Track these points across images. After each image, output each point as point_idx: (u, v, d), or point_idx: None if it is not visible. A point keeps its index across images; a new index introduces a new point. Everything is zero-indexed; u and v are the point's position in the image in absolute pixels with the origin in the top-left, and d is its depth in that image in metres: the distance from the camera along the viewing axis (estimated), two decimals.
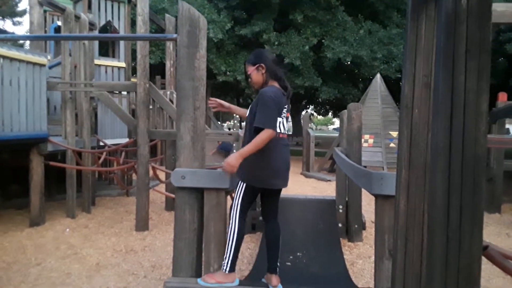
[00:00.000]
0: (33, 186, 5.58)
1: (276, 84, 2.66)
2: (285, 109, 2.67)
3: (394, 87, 15.34)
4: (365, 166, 5.43)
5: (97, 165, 6.49)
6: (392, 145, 10.96)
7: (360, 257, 4.56)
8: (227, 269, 2.61)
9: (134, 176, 8.09)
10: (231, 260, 2.62)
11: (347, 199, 5.27)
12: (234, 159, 2.40)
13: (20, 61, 5.08)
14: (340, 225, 5.12)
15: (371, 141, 10.78)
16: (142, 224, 5.55)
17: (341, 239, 4.74)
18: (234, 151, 9.58)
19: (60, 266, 4.15)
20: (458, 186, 1.35)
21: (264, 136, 2.42)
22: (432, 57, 1.73)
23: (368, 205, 6.31)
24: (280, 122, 2.61)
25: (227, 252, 2.63)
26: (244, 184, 2.64)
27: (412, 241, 1.76)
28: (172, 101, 8.21)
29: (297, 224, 5.05)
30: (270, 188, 2.69)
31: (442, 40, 1.34)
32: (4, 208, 6.58)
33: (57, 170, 6.32)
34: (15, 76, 5.03)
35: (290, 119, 2.85)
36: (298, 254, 4.14)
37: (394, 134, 11.09)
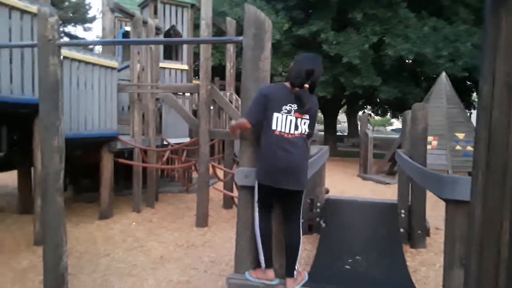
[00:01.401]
0: (103, 181, 5.96)
1: (287, 83, 2.62)
2: (291, 107, 2.57)
3: (460, 87, 14.49)
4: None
5: (162, 162, 6.79)
6: (458, 147, 10.38)
7: (423, 264, 4.37)
8: (264, 265, 2.69)
9: (194, 174, 8.38)
10: (264, 257, 2.69)
11: (409, 203, 5.07)
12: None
13: (94, 64, 5.45)
14: (402, 230, 4.93)
15: (435, 143, 10.27)
16: (202, 221, 5.73)
17: (403, 245, 4.57)
18: None
19: (127, 257, 4.40)
20: None
21: (237, 122, 2.64)
22: None
23: (431, 210, 6.03)
24: (278, 118, 2.55)
25: (258, 250, 2.71)
26: (256, 181, 2.67)
27: (488, 250, 1.67)
28: (231, 102, 8.39)
29: (356, 227, 4.95)
30: (271, 186, 2.58)
31: None
32: (76, 201, 7.11)
33: (124, 167, 6.69)
34: (89, 78, 5.41)
35: (304, 122, 2.73)
36: (358, 257, 4.05)
37: (461, 136, 10.49)
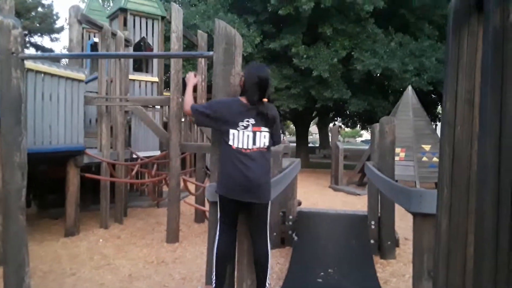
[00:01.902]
0: (69, 196, 5.76)
1: (243, 99, 2.61)
2: (248, 122, 2.56)
3: (426, 100, 14.99)
4: (396, 181, 5.32)
5: (130, 177, 6.64)
6: (424, 159, 10.69)
7: (393, 275, 4.43)
8: (214, 285, 2.65)
9: (164, 188, 8.23)
10: (215, 276, 2.64)
11: (379, 214, 5.15)
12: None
13: (60, 77, 5.30)
14: (372, 241, 5.00)
15: (402, 154, 10.55)
16: (172, 236, 5.62)
17: (373, 256, 4.63)
18: None
19: (94, 276, 4.24)
20: (508, 206, 1.30)
21: (186, 101, 2.75)
22: (475, 74, 1.69)
23: (400, 220, 6.14)
24: (234, 134, 2.54)
25: (211, 267, 2.68)
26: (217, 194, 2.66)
27: (454, 263, 1.70)
28: None
29: (328, 240, 4.98)
30: (232, 198, 2.56)
31: (490, 58, 1.31)
32: (41, 217, 6.82)
33: (90, 181, 6.49)
34: (55, 91, 5.25)
35: (264, 135, 2.73)
36: (330, 270, 4.07)
37: (427, 147, 10.82)
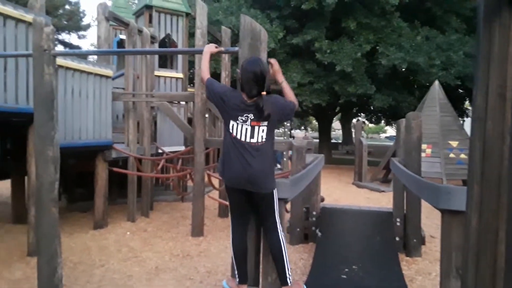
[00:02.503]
0: (97, 190, 5.92)
1: (244, 95, 2.60)
2: (247, 117, 2.57)
3: (453, 95, 14.62)
4: (422, 177, 5.23)
5: (156, 171, 6.76)
6: (451, 155, 10.45)
7: (419, 273, 4.37)
8: (237, 280, 2.77)
9: (189, 183, 8.35)
10: (237, 271, 2.74)
11: (405, 211, 5.08)
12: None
13: (89, 73, 5.44)
14: (397, 238, 4.94)
15: (428, 151, 10.33)
16: (197, 230, 5.70)
17: (398, 253, 4.58)
18: (285, 159, 9.58)
19: (122, 268, 4.36)
20: None
21: (203, 70, 2.76)
22: (506, 67, 1.64)
23: (426, 218, 6.05)
24: (233, 125, 2.59)
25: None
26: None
27: (484, 261, 1.67)
28: None
29: (351, 236, 4.95)
30: (233, 187, 2.65)
31: None
32: (70, 210, 7.04)
33: (118, 175, 6.65)
34: (84, 87, 5.40)
35: (263, 130, 2.74)
36: (354, 267, 4.05)
37: (454, 144, 10.57)
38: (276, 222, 2.67)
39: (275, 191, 2.65)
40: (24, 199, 5.95)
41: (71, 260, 4.52)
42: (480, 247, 1.66)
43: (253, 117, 2.56)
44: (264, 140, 2.59)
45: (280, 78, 2.74)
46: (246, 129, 2.56)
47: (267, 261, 2.72)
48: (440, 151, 10.48)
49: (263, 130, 2.58)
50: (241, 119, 2.57)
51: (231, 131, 2.60)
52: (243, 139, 2.57)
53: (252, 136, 2.57)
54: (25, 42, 4.35)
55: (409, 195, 4.93)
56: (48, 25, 3.04)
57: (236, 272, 2.75)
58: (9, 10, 4.10)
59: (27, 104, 4.32)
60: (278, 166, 11.76)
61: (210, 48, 2.82)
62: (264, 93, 2.53)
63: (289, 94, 2.72)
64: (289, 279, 2.66)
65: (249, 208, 2.74)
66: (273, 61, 2.73)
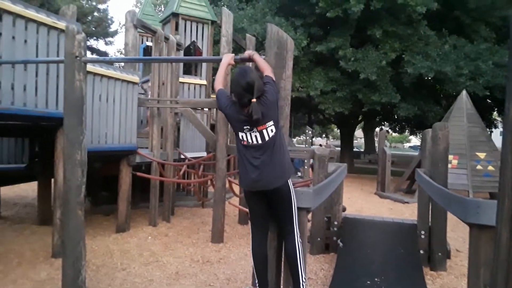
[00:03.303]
0: (121, 194, 6.02)
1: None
2: (252, 126, 2.62)
3: (481, 105, 14.24)
4: (448, 189, 5.10)
5: (178, 177, 6.83)
6: (479, 167, 10.15)
7: None
8: (256, 284, 2.77)
9: (210, 189, 8.39)
10: (257, 280, 2.75)
11: (430, 224, 4.95)
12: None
13: (116, 79, 5.56)
14: (421, 251, 4.82)
15: (455, 162, 10.08)
16: (217, 236, 5.71)
17: (423, 267, 4.46)
18: (306, 167, 9.51)
19: (143, 272, 4.40)
20: None
21: (218, 81, 2.85)
22: None
23: (452, 231, 5.88)
24: (242, 136, 2.66)
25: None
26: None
27: None
28: None
29: (374, 247, 4.86)
30: (249, 191, 2.72)
31: None
32: (94, 213, 7.18)
33: (139, 180, 6.74)
34: (111, 92, 5.52)
35: (271, 129, 2.81)
36: (376, 279, 3.97)
37: (482, 155, 10.28)
38: (294, 227, 2.66)
39: (291, 185, 2.65)
40: (50, 201, 6.10)
41: (93, 262, 4.59)
42: (510, 264, 1.60)
43: (257, 123, 2.61)
44: (273, 136, 2.64)
45: (249, 54, 2.83)
46: (256, 136, 2.62)
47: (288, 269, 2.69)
48: (467, 163, 10.21)
49: (272, 130, 2.63)
50: (247, 128, 2.63)
51: (241, 139, 2.67)
52: (254, 142, 2.63)
53: (263, 139, 2.63)
54: (56, 48, 4.49)
55: (434, 207, 4.81)
56: (80, 33, 3.13)
57: (256, 281, 2.74)
58: (42, 17, 4.24)
59: (56, 109, 4.45)
60: (299, 174, 11.68)
61: (228, 58, 2.86)
62: (254, 100, 2.55)
63: (264, 66, 2.74)
64: (303, 284, 2.62)
65: (269, 216, 2.75)
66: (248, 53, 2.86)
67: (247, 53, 2.85)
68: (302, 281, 2.61)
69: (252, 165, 2.61)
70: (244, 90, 2.56)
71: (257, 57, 2.78)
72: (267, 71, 2.71)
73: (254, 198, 2.71)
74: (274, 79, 2.70)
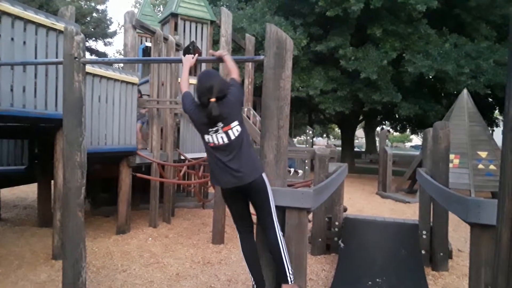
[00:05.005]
0: (121, 195, 6.01)
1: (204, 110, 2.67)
2: (218, 126, 2.62)
3: (482, 104, 14.22)
4: (449, 189, 5.08)
5: (179, 177, 6.81)
6: (480, 166, 10.12)
7: None
8: (252, 285, 2.77)
9: (210, 190, 8.38)
10: (252, 278, 2.77)
11: (431, 224, 4.93)
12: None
13: (115, 80, 5.55)
14: (423, 252, 4.79)
15: (456, 161, 10.05)
16: (218, 237, 5.70)
17: (424, 267, 4.44)
18: (307, 168, 9.49)
19: (144, 273, 4.38)
20: None
21: (182, 85, 2.90)
22: None
23: (454, 231, 5.86)
24: (208, 138, 2.65)
25: None
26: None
27: None
28: (249, 118, 8.41)
29: (375, 248, 4.84)
30: (228, 189, 2.70)
31: None
32: (94, 215, 7.17)
33: (140, 181, 6.73)
34: (110, 93, 5.51)
35: (237, 129, 2.80)
36: (378, 280, 3.95)
37: (483, 154, 10.24)
38: (273, 220, 2.64)
39: (265, 179, 2.63)
40: (50, 203, 6.09)
41: (94, 264, 4.58)
42: (511, 263, 1.58)
43: (222, 125, 2.62)
44: (238, 134, 2.64)
45: (220, 53, 2.87)
46: (222, 137, 2.62)
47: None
48: (469, 162, 10.18)
49: (237, 130, 2.63)
50: (212, 130, 2.64)
51: (207, 141, 2.67)
52: (221, 143, 2.63)
53: (229, 138, 2.63)
54: (55, 50, 4.48)
55: (436, 207, 4.79)
56: (78, 34, 3.11)
57: (252, 280, 2.74)
58: (41, 18, 4.23)
59: (55, 110, 4.44)
60: (299, 172, 11.63)
61: (190, 60, 2.90)
62: (213, 100, 2.56)
63: (232, 69, 2.79)
64: (290, 276, 2.58)
65: (249, 213, 2.83)
66: (211, 52, 2.91)
67: (218, 53, 2.89)
68: (289, 272, 2.59)
69: (223, 163, 2.62)
70: (206, 90, 2.58)
71: (227, 58, 2.83)
72: (234, 74, 2.77)
73: (232, 197, 2.74)
74: (239, 81, 2.77)
